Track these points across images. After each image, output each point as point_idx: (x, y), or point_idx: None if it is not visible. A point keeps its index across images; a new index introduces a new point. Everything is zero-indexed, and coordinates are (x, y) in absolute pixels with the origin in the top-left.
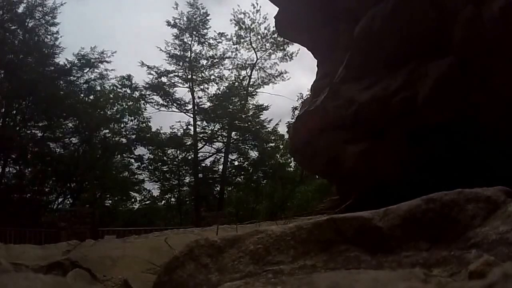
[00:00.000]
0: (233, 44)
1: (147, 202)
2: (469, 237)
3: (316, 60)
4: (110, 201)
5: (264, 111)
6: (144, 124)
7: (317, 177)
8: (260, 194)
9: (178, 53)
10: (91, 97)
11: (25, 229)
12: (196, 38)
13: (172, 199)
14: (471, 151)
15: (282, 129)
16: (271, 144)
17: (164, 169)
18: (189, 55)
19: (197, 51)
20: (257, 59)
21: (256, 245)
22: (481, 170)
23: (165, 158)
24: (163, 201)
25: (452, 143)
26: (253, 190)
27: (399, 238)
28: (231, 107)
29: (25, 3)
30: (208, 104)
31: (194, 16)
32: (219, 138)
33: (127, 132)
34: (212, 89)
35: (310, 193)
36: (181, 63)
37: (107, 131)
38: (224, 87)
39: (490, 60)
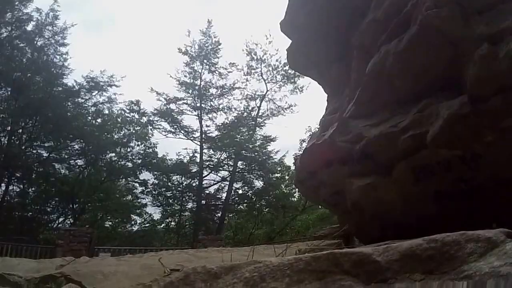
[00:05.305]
0: (244, 75)
1: (147, 225)
2: (463, 270)
3: (326, 95)
4: (110, 223)
5: (271, 142)
6: (150, 150)
7: (320, 207)
8: (260, 221)
9: (188, 81)
10: (99, 120)
11: (22, 244)
12: (207, 67)
13: (172, 223)
14: (478, 186)
15: (289, 161)
16: (276, 175)
17: (168, 195)
18: (199, 83)
19: (207, 79)
20: (267, 90)
21: (252, 273)
22: (487, 205)
23: (169, 184)
24: (163, 224)
25: (459, 178)
26: (253, 217)
27: (395, 270)
28: (238, 136)
29: (35, 21)
30: (216, 132)
31: (206, 45)
32: (225, 167)
33: (133, 157)
34: (221, 118)
35: (311, 221)
36: (190, 91)
37: (113, 154)
38: (233, 117)
39: (503, 100)
